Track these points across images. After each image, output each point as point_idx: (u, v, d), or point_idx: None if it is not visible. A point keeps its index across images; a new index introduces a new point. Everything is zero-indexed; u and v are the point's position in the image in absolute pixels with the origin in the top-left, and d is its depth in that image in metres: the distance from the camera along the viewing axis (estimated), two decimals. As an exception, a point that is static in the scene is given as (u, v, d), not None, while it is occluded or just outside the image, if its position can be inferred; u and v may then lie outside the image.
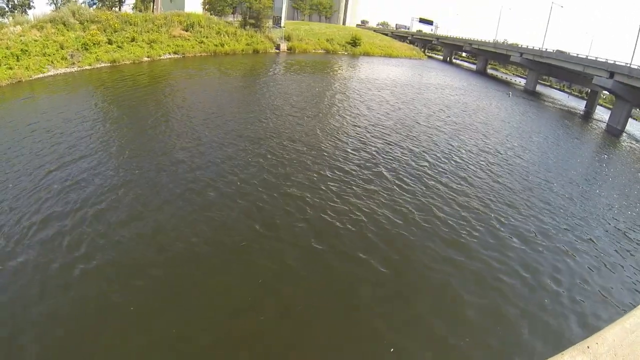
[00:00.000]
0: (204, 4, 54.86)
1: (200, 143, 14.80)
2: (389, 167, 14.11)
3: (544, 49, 53.00)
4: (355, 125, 18.43)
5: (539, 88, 58.49)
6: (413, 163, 14.79)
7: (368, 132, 17.70)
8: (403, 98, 26.28)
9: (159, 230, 9.05)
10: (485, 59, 74.24)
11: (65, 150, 13.35)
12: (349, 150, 15.25)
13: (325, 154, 14.58)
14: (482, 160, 16.21)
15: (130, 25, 37.60)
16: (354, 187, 12.11)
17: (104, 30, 35.33)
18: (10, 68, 26.93)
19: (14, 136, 14.58)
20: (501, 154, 17.56)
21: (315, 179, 12.39)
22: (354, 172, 13.22)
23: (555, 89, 73.50)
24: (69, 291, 7.03)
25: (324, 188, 11.83)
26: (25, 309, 6.58)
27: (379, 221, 10.37)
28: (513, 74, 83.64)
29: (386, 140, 16.86)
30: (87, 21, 35.42)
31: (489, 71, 78.54)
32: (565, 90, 73.33)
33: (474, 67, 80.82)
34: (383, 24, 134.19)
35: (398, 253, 9.14)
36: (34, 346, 5.87)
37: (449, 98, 29.74)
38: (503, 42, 71.43)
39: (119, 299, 6.90)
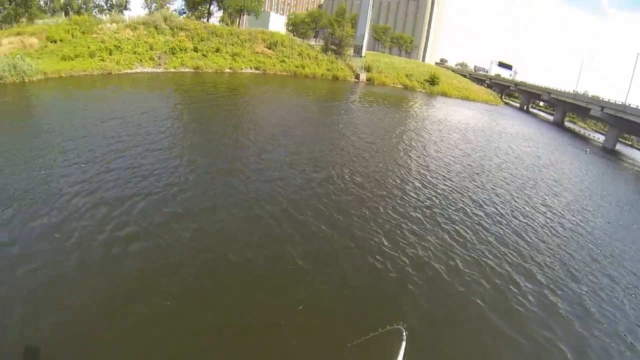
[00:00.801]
0: (287, 24, 55.56)
1: (261, 159, 13.77)
2: (445, 214, 11.82)
3: (627, 104, 47.79)
4: (420, 166, 16.25)
5: (619, 147, 52.55)
6: (471, 213, 12.27)
7: (432, 175, 15.46)
8: (474, 144, 23.79)
9: (198, 232, 8.32)
10: (563, 110, 68.96)
11: (135, 140, 13.59)
12: (409, 191, 13.09)
13: (384, 191, 12.57)
14: (545, 221, 13.23)
15: (216, 36, 38.29)
16: (406, 232, 9.95)
17: (191, 38, 36.12)
18: (103, 60, 27.82)
19: (95, 121, 15.43)
20: (568, 216, 14.44)
21: (367, 216, 10.40)
22: (409, 215, 11.02)
23: (637, 149, 66.20)
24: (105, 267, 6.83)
25: (374, 227, 9.88)
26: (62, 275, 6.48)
27: (423, 272, 8.29)
28: (592, 129, 77.12)
29: (448, 185, 14.46)
30: (177, 28, 36.52)
31: (567, 124, 72.72)
32: (649, 151, 65.81)
33: (550, 118, 75.54)
34: (462, 64, 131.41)
35: (435, 310, 7.31)
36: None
37: (520, 149, 26.72)
38: (583, 94, 65.56)
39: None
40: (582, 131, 67.82)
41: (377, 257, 8.55)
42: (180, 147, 13.56)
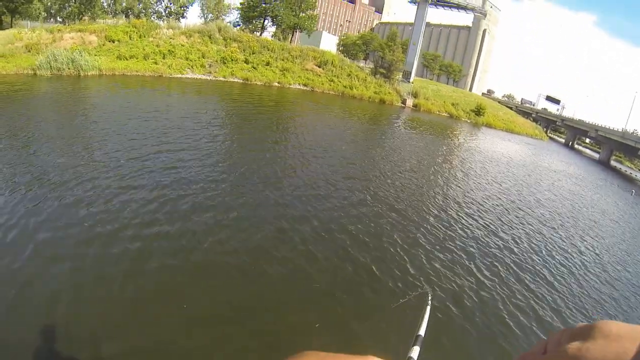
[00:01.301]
0: (338, 45, 55.44)
1: (296, 174, 12.97)
2: (479, 246, 10.39)
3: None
4: (458, 197, 14.66)
5: (667, 191, 48.48)
6: (503, 247, 10.74)
7: (469, 207, 13.99)
8: (513, 179, 21.89)
9: (218, 241, 7.54)
10: (610, 149, 64.68)
11: (172, 140, 13.26)
12: (443, 219, 11.73)
13: (416, 219, 11.29)
14: (580, 269, 11.34)
15: (268, 50, 38.29)
16: (432, 261, 8.69)
17: (243, 50, 36.24)
18: (156, 63, 28.19)
19: (139, 118, 15.47)
20: (605, 263, 12.54)
21: (389, 247, 9.11)
22: (439, 244, 9.69)
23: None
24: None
25: (397, 257, 8.64)
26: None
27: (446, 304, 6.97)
28: (639, 170, 72.70)
29: (481, 224, 12.73)
30: (230, 39, 36.80)
31: (613, 163, 68.43)
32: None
33: (596, 155, 71.32)
34: (508, 96, 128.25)
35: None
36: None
37: (562, 186, 24.57)
38: (632, 133, 60.96)
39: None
40: (628, 171, 63.55)
41: (398, 284, 7.61)
42: (217, 155, 13.10)
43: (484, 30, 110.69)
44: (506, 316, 7.40)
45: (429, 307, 2.17)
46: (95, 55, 26.62)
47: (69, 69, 23.63)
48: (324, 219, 9.67)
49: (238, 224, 8.30)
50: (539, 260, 10.98)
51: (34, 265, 5.75)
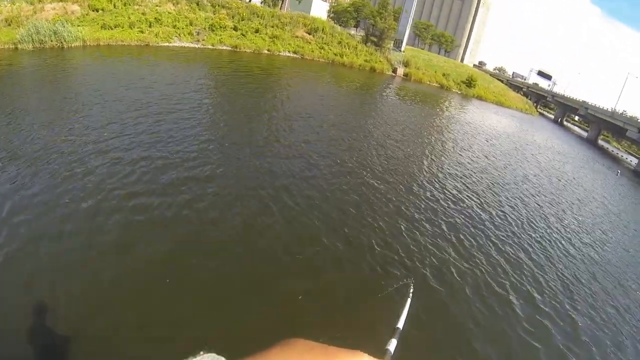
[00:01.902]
0: (329, 12, 54.38)
1: (283, 138, 13.18)
2: (457, 215, 10.64)
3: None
4: (440, 174, 14.17)
5: (652, 172, 49.04)
6: (482, 228, 10.76)
7: (454, 177, 14.15)
8: (499, 151, 21.94)
9: (199, 212, 7.49)
10: (598, 128, 65.06)
11: (157, 110, 13.09)
12: (423, 188, 11.91)
13: (399, 185, 11.45)
14: (559, 244, 11.67)
15: (257, 17, 37.50)
16: (412, 245, 8.77)
17: (232, 17, 35.45)
18: (142, 32, 27.55)
19: (124, 88, 15.12)
20: (583, 237, 12.86)
21: (369, 215, 9.25)
22: (415, 225, 9.73)
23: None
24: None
25: (378, 230, 8.66)
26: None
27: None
28: (625, 151, 73.30)
29: (465, 197, 12.72)
30: (219, 5, 35.91)
31: (600, 142, 68.91)
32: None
33: (584, 134, 71.86)
34: (500, 69, 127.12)
35: None
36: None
37: (548, 162, 24.69)
38: (621, 113, 61.06)
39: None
40: (615, 151, 64.20)
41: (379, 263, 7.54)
42: (203, 122, 13.09)
43: (479, 1, 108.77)
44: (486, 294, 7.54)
45: (409, 300, 2.19)
46: (79, 25, 25.82)
47: (51, 41, 22.88)
48: (306, 187, 9.70)
49: (221, 194, 8.29)
50: (522, 235, 11.15)
51: (14, 243, 5.68)
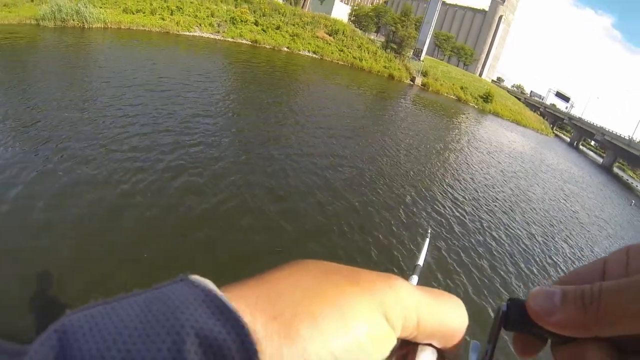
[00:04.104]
0: (350, 14, 54.13)
1: (295, 135, 12.82)
2: (466, 231, 10.14)
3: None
4: (450, 188, 13.67)
5: (668, 206, 47.85)
6: (484, 239, 10.26)
7: (465, 191, 13.63)
8: (511, 171, 21.20)
9: (207, 197, 7.30)
10: (614, 155, 63.65)
11: (174, 96, 13.01)
12: (435, 200, 11.40)
13: (409, 195, 10.92)
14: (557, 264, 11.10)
15: (279, 14, 37.38)
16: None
17: (254, 12, 35.30)
18: (163, 19, 27.46)
19: (141, 72, 15.17)
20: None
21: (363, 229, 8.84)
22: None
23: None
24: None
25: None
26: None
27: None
28: None
29: (472, 217, 12.15)
30: (241, -1, 35.76)
31: (615, 170, 67.52)
32: None
33: (600, 160, 70.84)
34: (518, 87, 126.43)
35: None
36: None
37: (560, 186, 24.02)
38: (639, 142, 59.94)
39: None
40: (630, 180, 62.76)
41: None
42: (219, 113, 12.87)
43: (500, 17, 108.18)
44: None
45: (428, 240, 2.26)
46: (101, 7, 25.76)
47: (73, 20, 22.91)
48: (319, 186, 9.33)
49: (229, 180, 8.08)
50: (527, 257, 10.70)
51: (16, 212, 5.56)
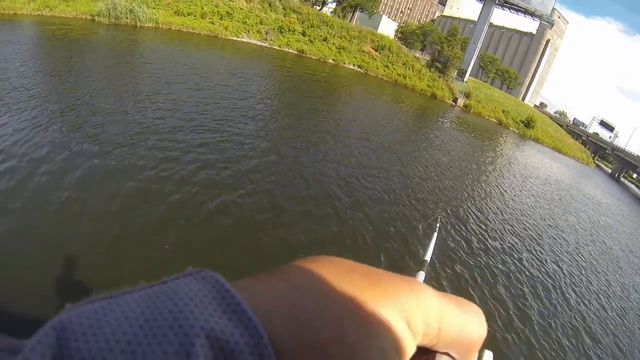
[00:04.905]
0: (397, 31, 53.58)
1: (330, 159, 11.85)
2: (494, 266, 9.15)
3: None
4: (482, 211, 12.98)
5: None
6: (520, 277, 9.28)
7: (499, 224, 12.63)
8: (547, 205, 19.73)
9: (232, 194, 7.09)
10: None
11: (216, 98, 12.91)
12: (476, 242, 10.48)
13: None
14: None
15: (327, 26, 37.19)
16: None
17: (302, 22, 35.26)
18: (212, 23, 27.79)
19: (189, 72, 15.36)
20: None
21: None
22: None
23: None
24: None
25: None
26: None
27: None
28: None
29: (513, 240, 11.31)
30: (290, 9, 35.91)
31: None
32: None
33: None
34: (561, 113, 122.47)
35: None
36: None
37: (599, 219, 22.50)
38: None
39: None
40: None
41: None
42: (256, 115, 12.81)
43: (548, 41, 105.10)
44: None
45: (436, 234, 2.20)
46: (154, 8, 26.36)
47: (126, 18, 23.47)
48: (346, 202, 8.83)
49: (262, 183, 7.89)
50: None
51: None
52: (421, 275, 1.52)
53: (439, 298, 0.31)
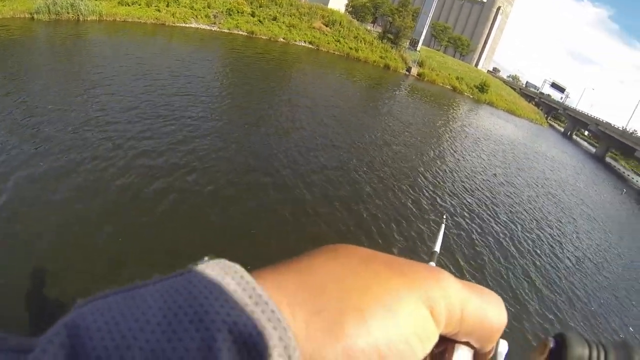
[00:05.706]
0: (347, 5, 53.95)
1: (284, 130, 12.55)
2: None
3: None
4: (440, 175, 13.75)
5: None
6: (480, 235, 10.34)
7: (456, 180, 13.80)
8: (501, 160, 21.18)
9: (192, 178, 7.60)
10: (607, 146, 63.66)
11: (165, 85, 13.08)
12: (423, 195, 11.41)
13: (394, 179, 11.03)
14: (552, 257, 10.79)
15: (276, 5, 37.33)
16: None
17: (250, 3, 35.19)
18: (158, 10, 27.38)
19: (134, 63, 15.22)
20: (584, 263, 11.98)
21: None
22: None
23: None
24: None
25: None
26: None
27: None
28: (632, 170, 71.93)
29: (454, 196, 11.93)
30: (237, -10, 35.57)
31: (607, 159, 67.58)
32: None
33: (592, 150, 71.20)
34: (514, 77, 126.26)
35: None
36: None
37: (553, 174, 24.37)
38: (632, 133, 59.82)
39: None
40: (621, 170, 62.97)
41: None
42: (208, 99, 13.13)
43: (498, 8, 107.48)
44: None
45: (443, 225, 2.26)
46: (96, 0, 25.78)
47: (68, 13, 22.83)
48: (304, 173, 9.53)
49: (215, 165, 8.33)
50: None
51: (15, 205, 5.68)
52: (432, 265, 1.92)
53: (462, 287, 0.31)
